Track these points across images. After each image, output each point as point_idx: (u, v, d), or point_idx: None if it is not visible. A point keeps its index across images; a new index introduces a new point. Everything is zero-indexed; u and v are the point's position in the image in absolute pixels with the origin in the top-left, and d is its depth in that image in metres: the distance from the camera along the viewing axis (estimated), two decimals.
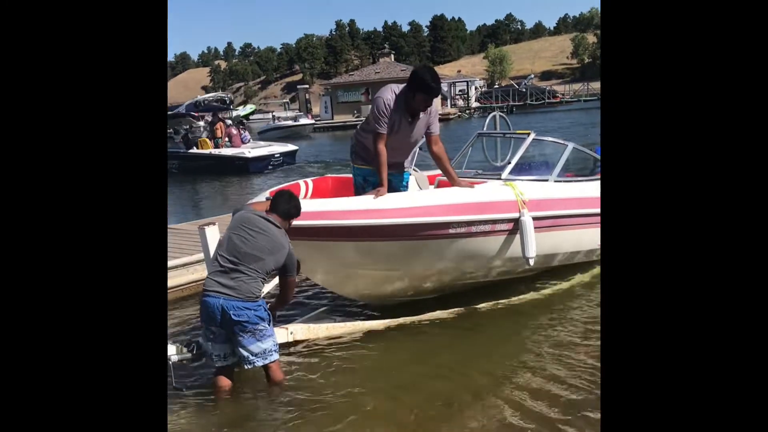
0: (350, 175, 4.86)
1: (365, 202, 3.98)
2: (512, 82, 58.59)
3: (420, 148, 4.69)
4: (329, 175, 5.34)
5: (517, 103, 43.72)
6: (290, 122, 37.23)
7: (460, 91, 49.21)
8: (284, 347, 3.91)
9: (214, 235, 4.16)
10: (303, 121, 37.20)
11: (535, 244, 4.39)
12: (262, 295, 3.40)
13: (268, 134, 36.12)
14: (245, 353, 3.31)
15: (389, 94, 4.11)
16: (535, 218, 4.43)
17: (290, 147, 18.94)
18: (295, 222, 3.64)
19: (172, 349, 3.73)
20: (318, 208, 3.87)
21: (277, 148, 18.54)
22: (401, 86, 4.16)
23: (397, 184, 4.46)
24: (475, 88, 50.50)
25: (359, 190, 4.40)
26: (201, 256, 5.14)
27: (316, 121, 39.77)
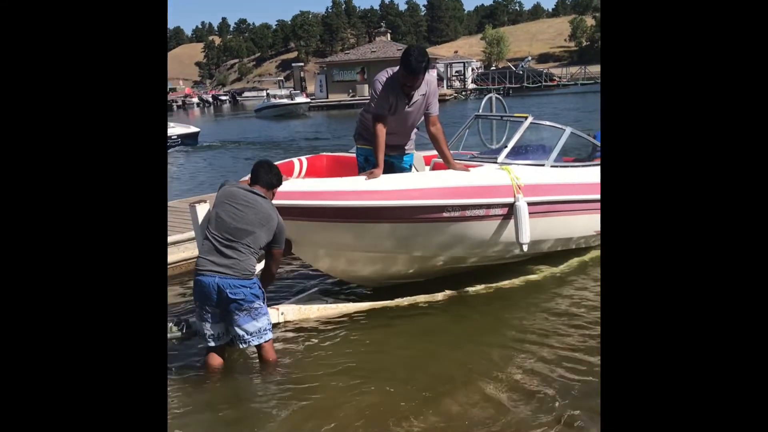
0: (345, 154, 4.80)
1: (358, 183, 3.93)
2: (509, 64, 58.24)
3: (417, 128, 4.64)
4: (324, 153, 5.28)
5: (513, 86, 43.50)
6: (285, 100, 36.94)
7: (456, 72, 48.89)
8: (275, 328, 3.89)
9: (204, 213, 4.10)
10: (299, 99, 36.84)
11: (530, 230, 4.36)
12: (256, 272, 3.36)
13: (263, 112, 35.91)
14: (240, 332, 3.29)
15: (385, 75, 4.11)
16: (530, 203, 4.38)
17: (192, 129, 18.59)
18: (287, 201, 3.60)
19: None
20: (310, 188, 3.82)
21: (178, 129, 18.08)
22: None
23: (398, 166, 4.44)
24: (472, 70, 50.16)
25: (361, 170, 4.39)
26: (191, 234, 5.09)
27: (311, 99, 39.35)
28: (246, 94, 69.55)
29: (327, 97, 41.77)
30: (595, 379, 3.18)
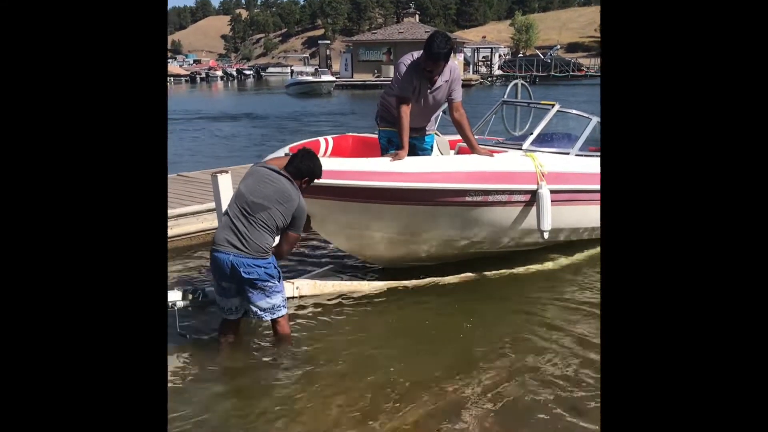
0: (371, 135, 4.79)
1: (382, 164, 3.93)
2: (537, 51, 57.39)
3: (443, 112, 4.61)
4: (350, 133, 5.28)
5: (540, 74, 42.94)
6: (311, 78, 36.80)
7: (483, 57, 48.36)
8: (290, 302, 3.91)
9: (226, 183, 4.11)
10: (325, 77, 36.68)
11: (551, 218, 4.33)
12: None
13: (291, 89, 35.83)
14: (254, 308, 3.30)
15: (410, 59, 4.11)
16: (552, 191, 4.36)
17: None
18: None
19: (177, 296, 3.75)
20: (334, 167, 3.82)
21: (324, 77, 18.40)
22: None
23: (420, 147, 4.45)
24: (499, 56, 49.59)
25: (384, 151, 4.40)
26: (211, 204, 5.12)
27: (336, 78, 39.18)
28: (270, 69, 69.46)
29: (352, 77, 41.58)
30: None
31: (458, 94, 4.24)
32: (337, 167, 3.83)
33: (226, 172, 4.22)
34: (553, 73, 43.90)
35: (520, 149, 4.61)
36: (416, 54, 4.11)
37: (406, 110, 4.06)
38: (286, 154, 3.68)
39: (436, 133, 4.88)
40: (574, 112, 5.16)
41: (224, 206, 3.93)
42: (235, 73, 64.78)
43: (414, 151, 4.25)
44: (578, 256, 5.09)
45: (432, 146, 4.61)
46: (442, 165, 4.12)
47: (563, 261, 4.98)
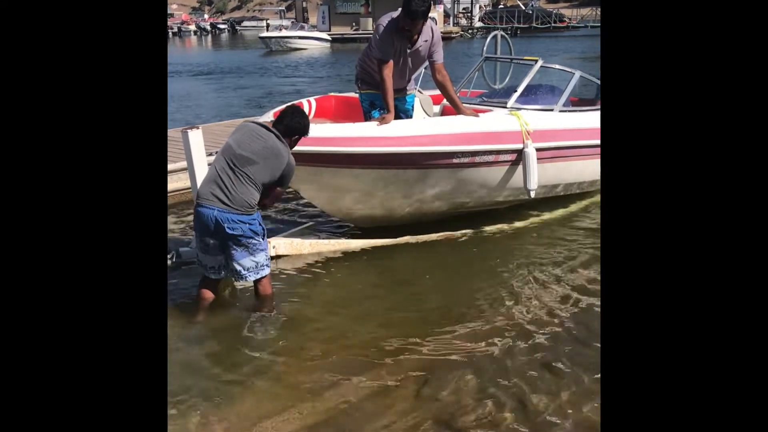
0: (353, 94, 4.75)
1: (371, 129, 3.94)
2: (519, 2, 56.37)
3: (425, 68, 4.55)
4: (332, 93, 5.20)
5: (522, 26, 42.28)
6: (294, 33, 34.87)
7: (463, 9, 47.43)
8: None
9: (197, 140, 4.01)
10: (311, 33, 35.23)
11: (537, 176, 4.37)
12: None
13: (270, 42, 34.44)
14: (238, 267, 3.27)
15: (388, 19, 4.10)
16: (538, 149, 4.40)
17: (325, 36, 18.45)
18: (299, 147, 3.52)
19: None
20: (323, 133, 3.80)
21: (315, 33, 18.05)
22: None
23: (402, 108, 4.44)
24: (480, 7, 48.62)
25: (367, 114, 4.40)
26: (183, 164, 5.00)
27: (319, 34, 37.72)
28: (245, 23, 67.39)
29: (329, 30, 40.55)
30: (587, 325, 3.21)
31: (439, 56, 4.24)
32: (327, 134, 3.81)
33: (197, 128, 4.10)
34: (534, 25, 43.28)
35: (505, 107, 4.62)
36: (395, 14, 4.08)
37: (388, 73, 4.04)
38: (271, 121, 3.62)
39: (419, 91, 4.86)
40: (557, 67, 5.20)
41: (196, 164, 3.87)
42: (209, 28, 62.77)
43: (396, 113, 4.24)
44: (560, 211, 5.13)
45: (413, 106, 4.59)
46: (429, 128, 4.13)
47: (543, 217, 5.00)
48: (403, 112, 4.46)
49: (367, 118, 4.38)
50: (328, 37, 35.66)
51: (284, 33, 34.16)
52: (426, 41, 4.14)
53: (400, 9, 3.98)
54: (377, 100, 4.29)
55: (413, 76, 4.47)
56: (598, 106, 5.32)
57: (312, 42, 33.55)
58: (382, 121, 4.01)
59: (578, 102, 5.62)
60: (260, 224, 3.26)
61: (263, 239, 3.30)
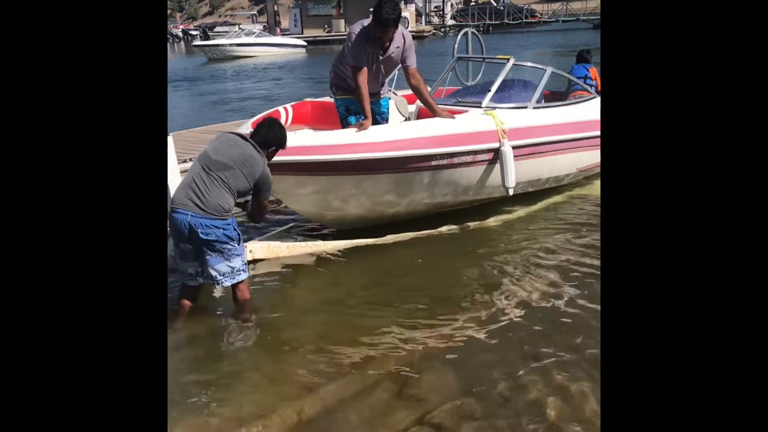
0: (329, 99, 4.80)
1: (350, 136, 3.99)
2: None
3: (398, 71, 4.63)
4: (308, 99, 5.22)
5: (493, 22, 42.57)
6: (274, 39, 33.16)
7: (435, 7, 47.54)
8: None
9: (168, 147, 3.98)
10: (284, 40, 32.97)
11: (515, 173, 4.44)
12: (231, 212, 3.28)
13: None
14: (213, 272, 3.26)
15: (360, 26, 4.16)
16: (514, 147, 4.46)
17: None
18: (280, 157, 3.55)
19: None
20: (302, 142, 3.84)
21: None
22: None
23: (377, 111, 4.49)
24: (451, 5, 48.81)
25: (343, 121, 4.45)
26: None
27: (284, 35, 37.56)
28: (218, 29, 66.73)
29: (302, 33, 40.39)
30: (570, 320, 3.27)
31: (412, 61, 4.30)
32: (307, 142, 3.85)
33: (168, 135, 4.08)
34: (506, 21, 43.56)
35: (480, 107, 4.67)
36: (366, 21, 4.14)
37: (363, 79, 4.09)
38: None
39: (393, 92, 4.92)
40: (529, 64, 5.31)
41: (168, 170, 3.85)
42: (180, 34, 62.14)
43: (372, 116, 4.30)
44: (539, 205, 5.20)
45: (388, 109, 4.66)
46: (407, 132, 4.17)
47: (521, 212, 5.06)
48: (378, 115, 4.51)
49: (344, 124, 4.42)
50: (278, 41, 32.58)
51: (218, 41, 31.70)
52: (398, 47, 4.21)
53: (371, 16, 4.02)
54: (352, 105, 4.35)
55: (386, 81, 4.54)
56: (571, 100, 5.50)
57: (265, 49, 30.58)
58: (360, 127, 4.06)
59: (550, 95, 5.72)
60: (235, 229, 3.26)
61: (239, 244, 3.30)
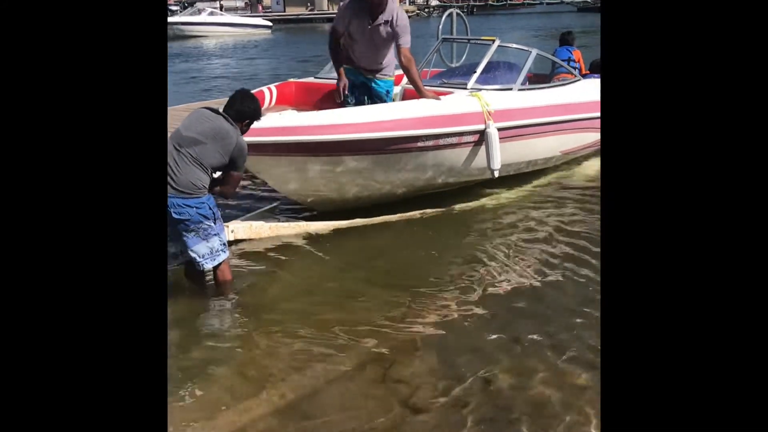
0: (312, 80, 4.82)
1: (334, 116, 3.97)
2: None
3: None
4: (292, 80, 5.22)
5: (478, 3, 42.37)
6: (235, 20, 31.26)
7: None
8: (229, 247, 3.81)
9: None
10: (245, 20, 30.26)
11: (500, 155, 4.44)
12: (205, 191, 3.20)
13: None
14: (192, 254, 3.21)
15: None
16: (500, 129, 4.46)
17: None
18: (263, 138, 3.54)
19: None
20: (286, 123, 3.81)
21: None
22: None
23: (376, 90, 4.57)
24: None
25: (350, 89, 4.62)
26: None
27: (266, 13, 36.69)
28: (198, 4, 65.42)
29: (284, 11, 39.76)
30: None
31: (405, 40, 4.33)
32: (289, 123, 3.82)
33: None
34: (490, 2, 43.39)
35: (465, 88, 4.65)
36: None
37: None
38: None
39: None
40: (514, 46, 5.31)
41: None
42: None
43: (369, 92, 4.46)
44: (524, 187, 5.20)
45: (389, 93, 4.64)
46: (393, 113, 4.15)
47: (506, 195, 5.05)
48: (377, 97, 4.54)
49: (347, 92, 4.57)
50: (236, 20, 30.20)
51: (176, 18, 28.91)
52: (387, 21, 4.25)
53: None
54: (349, 75, 4.54)
55: (384, 60, 4.50)
56: (555, 83, 5.51)
57: (219, 28, 28.06)
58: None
59: (533, 77, 5.70)
60: (211, 208, 3.19)
61: (215, 223, 3.23)
